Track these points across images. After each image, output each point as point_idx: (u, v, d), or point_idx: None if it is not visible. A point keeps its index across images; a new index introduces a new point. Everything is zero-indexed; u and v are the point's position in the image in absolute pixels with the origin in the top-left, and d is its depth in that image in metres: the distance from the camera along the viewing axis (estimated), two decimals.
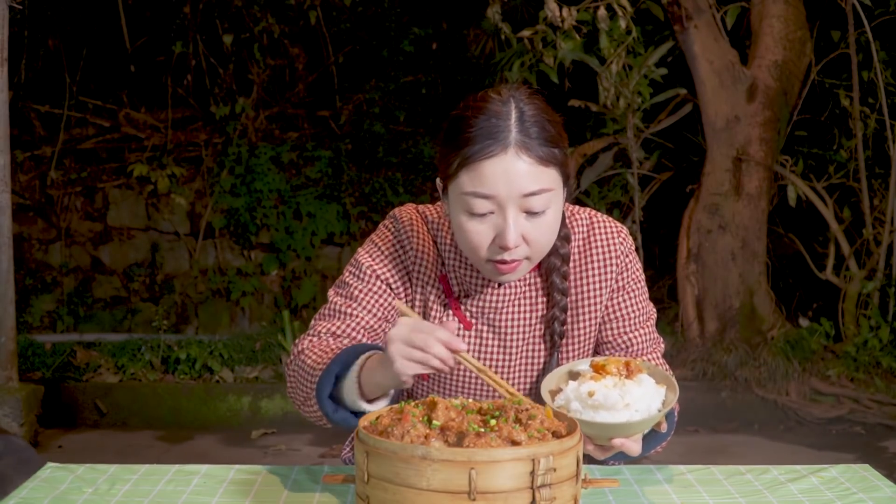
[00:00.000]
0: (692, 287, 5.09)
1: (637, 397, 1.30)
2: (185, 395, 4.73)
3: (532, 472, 1.13)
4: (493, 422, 1.23)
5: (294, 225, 5.86)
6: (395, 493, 1.15)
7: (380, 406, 1.42)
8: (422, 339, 1.30)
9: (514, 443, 1.17)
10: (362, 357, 1.43)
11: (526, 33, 4.93)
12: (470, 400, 1.34)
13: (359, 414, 1.42)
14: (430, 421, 1.22)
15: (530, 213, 1.42)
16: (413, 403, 1.29)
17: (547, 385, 1.40)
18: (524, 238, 1.43)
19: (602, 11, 4.81)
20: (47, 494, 1.39)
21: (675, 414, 1.51)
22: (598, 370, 1.36)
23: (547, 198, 1.42)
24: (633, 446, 1.34)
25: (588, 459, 1.70)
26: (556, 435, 1.22)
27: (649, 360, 1.62)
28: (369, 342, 1.56)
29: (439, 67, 6.36)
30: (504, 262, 1.45)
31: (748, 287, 5.04)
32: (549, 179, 1.42)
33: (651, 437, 1.43)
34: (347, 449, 1.78)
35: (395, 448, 1.15)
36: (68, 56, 6.22)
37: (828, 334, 5.06)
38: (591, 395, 1.31)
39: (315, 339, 1.56)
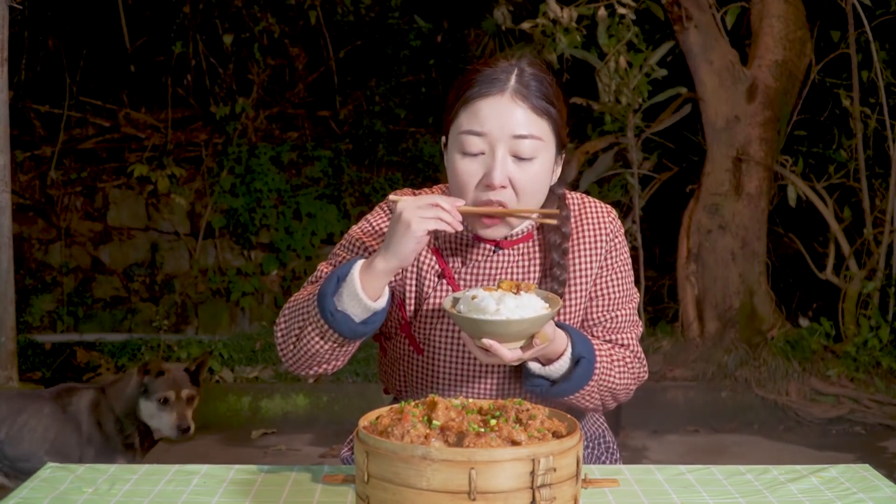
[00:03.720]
0: (692, 287, 5.09)
1: (510, 307, 1.38)
2: None
3: (532, 472, 1.13)
4: (493, 422, 1.23)
5: (294, 225, 5.86)
6: (395, 493, 1.15)
7: (380, 305, 1.46)
8: (429, 198, 1.42)
9: (514, 443, 1.17)
10: (360, 261, 1.47)
11: (526, 26, 4.93)
12: (470, 400, 1.34)
13: (360, 320, 1.46)
14: (430, 421, 1.22)
15: (519, 158, 1.49)
16: (413, 403, 1.29)
17: (454, 294, 1.49)
18: (511, 182, 1.49)
19: (602, 12, 4.82)
20: (47, 494, 1.39)
21: (597, 364, 1.54)
22: (497, 286, 1.45)
23: (536, 145, 1.49)
24: (503, 351, 1.40)
25: (588, 459, 1.70)
26: (556, 435, 1.22)
27: (624, 338, 1.65)
28: None
29: (439, 67, 6.36)
30: (489, 201, 1.49)
31: (748, 287, 5.04)
32: (539, 129, 1.50)
33: (565, 378, 1.51)
34: (347, 449, 1.78)
35: (395, 448, 1.15)
36: (68, 56, 6.22)
37: (828, 334, 5.06)
38: (473, 298, 1.41)
39: (305, 289, 1.59)
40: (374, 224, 1.64)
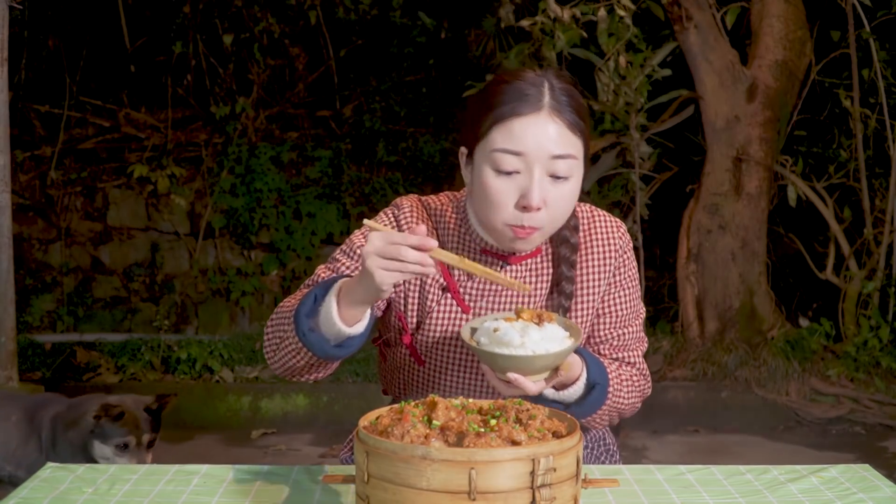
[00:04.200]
0: (692, 287, 5.09)
1: (535, 340, 1.36)
2: (185, 395, 4.73)
3: (532, 472, 1.13)
4: (493, 422, 1.23)
5: (294, 225, 5.86)
6: (395, 493, 1.15)
7: (356, 331, 1.41)
8: (395, 249, 1.30)
9: (514, 443, 1.17)
10: (340, 281, 1.42)
11: (525, 23, 4.93)
12: (470, 400, 1.34)
13: (335, 343, 1.42)
14: (430, 421, 1.22)
15: (555, 178, 1.46)
16: (413, 403, 1.29)
17: (471, 324, 1.46)
18: (545, 202, 1.46)
19: (602, 12, 4.82)
20: (47, 494, 1.39)
21: (616, 390, 1.54)
22: (517, 315, 1.41)
23: (572, 165, 1.47)
24: (528, 384, 1.38)
25: (588, 459, 1.70)
26: (556, 435, 1.22)
27: (631, 356, 1.64)
28: None
29: (440, 67, 6.36)
30: (522, 226, 1.46)
31: (748, 287, 5.04)
32: (575, 147, 1.47)
33: (579, 403, 1.50)
34: (347, 449, 1.78)
35: (395, 448, 1.15)
36: (68, 56, 6.22)
37: (828, 334, 5.06)
38: (495, 331, 1.37)
39: (293, 297, 1.56)
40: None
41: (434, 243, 1.32)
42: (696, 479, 1.48)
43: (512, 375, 1.37)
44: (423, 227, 1.32)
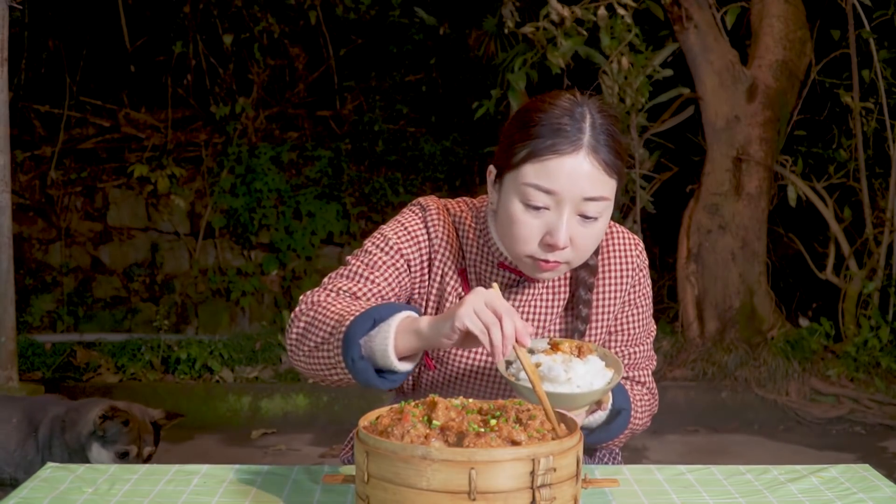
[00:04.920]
0: (692, 287, 5.09)
1: (580, 374, 1.33)
2: (185, 395, 4.73)
3: (532, 472, 1.13)
4: (493, 422, 1.22)
5: (294, 225, 5.86)
6: (395, 493, 1.15)
7: (408, 367, 1.36)
8: (502, 307, 1.25)
9: (514, 443, 1.17)
10: (404, 312, 1.36)
11: (528, 29, 4.93)
12: (470, 400, 1.34)
13: (381, 372, 1.35)
14: (430, 421, 1.22)
15: (584, 217, 1.43)
16: (413, 403, 1.29)
17: (507, 357, 1.40)
18: (571, 241, 1.43)
19: (602, 11, 4.81)
20: (47, 494, 1.39)
21: (633, 412, 1.55)
22: (554, 347, 1.39)
23: (603, 206, 1.44)
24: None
25: (587, 459, 1.70)
26: (556, 435, 1.22)
27: (641, 375, 1.65)
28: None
29: (440, 67, 6.36)
30: (546, 261, 1.45)
31: (748, 287, 5.04)
32: (608, 189, 1.44)
33: (603, 428, 1.49)
34: (347, 449, 1.78)
35: (395, 448, 1.15)
36: (68, 56, 6.22)
37: (828, 334, 5.06)
38: (537, 366, 1.34)
39: (333, 294, 1.49)
40: (409, 227, 1.57)
41: (528, 343, 1.27)
42: (696, 479, 1.48)
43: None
44: (529, 327, 1.28)
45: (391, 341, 1.32)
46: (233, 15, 6.28)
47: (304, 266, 5.87)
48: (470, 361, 1.60)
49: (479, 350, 1.57)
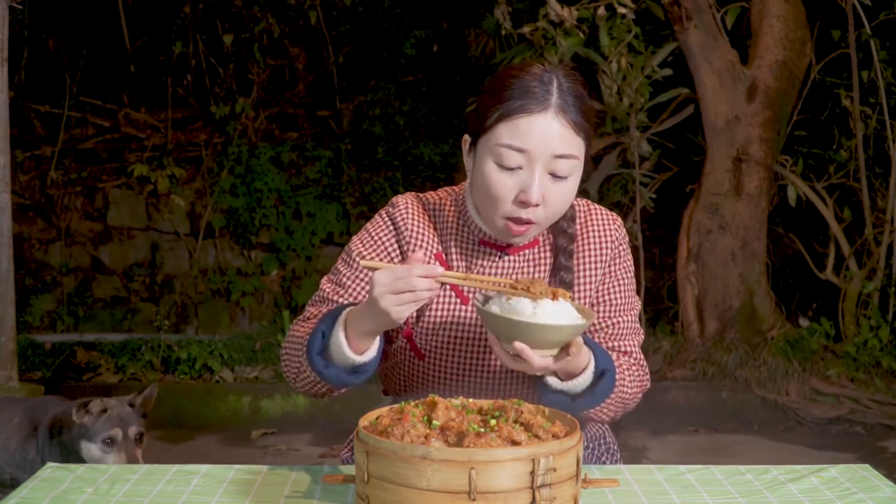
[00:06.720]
0: (692, 287, 5.09)
1: (548, 312, 1.35)
2: (185, 395, 4.73)
3: (532, 472, 1.13)
4: (493, 422, 1.23)
5: (294, 225, 5.86)
6: (395, 493, 1.15)
7: (369, 357, 1.46)
8: (404, 283, 1.36)
9: (514, 443, 1.17)
10: (345, 311, 1.47)
11: (526, 30, 4.93)
12: (470, 400, 1.34)
13: (351, 370, 1.47)
14: (430, 421, 1.22)
15: (555, 176, 1.50)
16: (413, 403, 1.29)
17: (485, 292, 1.46)
18: (543, 199, 1.49)
19: (602, 11, 4.82)
20: (47, 494, 1.39)
21: (620, 380, 1.55)
22: (528, 289, 1.41)
23: (572, 164, 1.50)
24: (535, 357, 1.38)
25: (588, 459, 1.70)
26: (556, 435, 1.22)
27: (626, 345, 1.65)
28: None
29: (439, 68, 6.36)
30: (519, 219, 1.50)
31: (748, 287, 5.04)
32: (577, 147, 1.50)
33: (588, 393, 1.49)
34: (347, 449, 1.78)
35: (395, 448, 1.15)
36: (68, 56, 6.22)
37: (828, 334, 5.06)
38: (508, 300, 1.38)
39: (302, 322, 1.61)
40: (375, 235, 1.64)
41: (439, 270, 1.37)
42: (696, 479, 1.48)
43: (519, 346, 1.36)
44: (420, 254, 1.39)
45: (343, 343, 1.45)
46: (233, 15, 6.28)
47: (304, 266, 5.87)
48: (458, 348, 1.61)
49: (456, 321, 1.60)
